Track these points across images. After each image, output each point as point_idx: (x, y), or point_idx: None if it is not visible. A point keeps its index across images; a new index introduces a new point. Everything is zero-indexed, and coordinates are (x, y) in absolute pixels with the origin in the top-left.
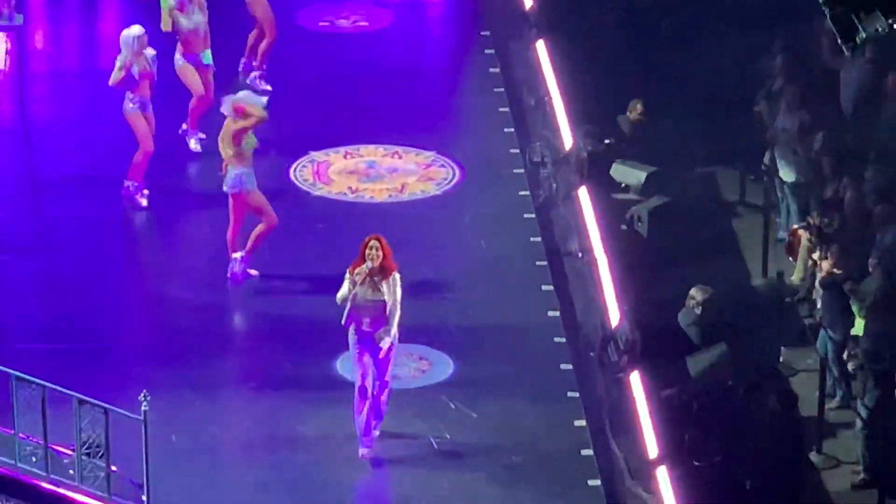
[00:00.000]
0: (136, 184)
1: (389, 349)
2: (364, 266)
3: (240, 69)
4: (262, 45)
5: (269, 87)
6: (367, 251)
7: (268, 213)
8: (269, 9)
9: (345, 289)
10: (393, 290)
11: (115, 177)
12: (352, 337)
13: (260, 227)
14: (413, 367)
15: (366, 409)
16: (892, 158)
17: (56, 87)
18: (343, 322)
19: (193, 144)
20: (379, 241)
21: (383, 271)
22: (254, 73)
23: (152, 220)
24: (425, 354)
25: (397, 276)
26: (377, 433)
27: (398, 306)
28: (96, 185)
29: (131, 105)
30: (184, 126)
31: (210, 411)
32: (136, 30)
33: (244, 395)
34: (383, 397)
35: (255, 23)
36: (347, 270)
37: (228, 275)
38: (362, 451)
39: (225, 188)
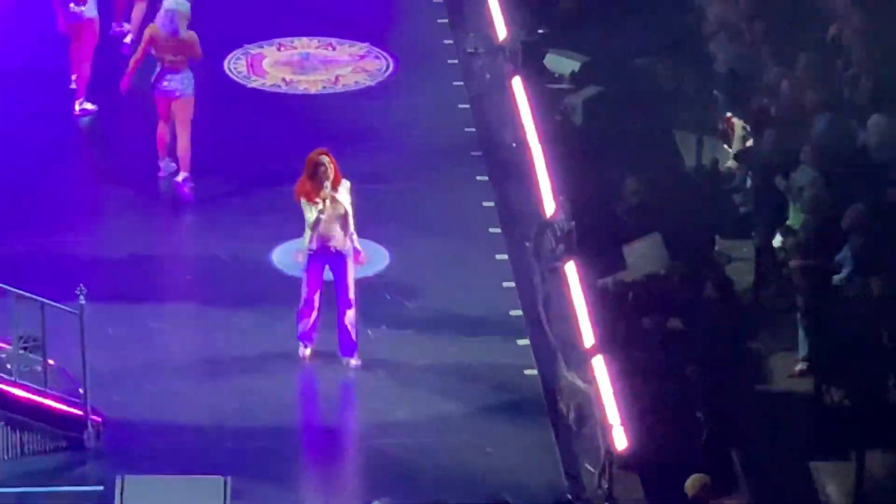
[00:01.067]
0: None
1: (347, 263)
2: (326, 189)
3: None
4: None
5: None
6: (321, 168)
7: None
8: None
9: (312, 213)
10: (345, 198)
11: (59, 69)
12: (305, 251)
13: (184, 141)
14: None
15: (312, 318)
16: (826, 46)
17: None
18: (308, 240)
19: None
20: (327, 155)
21: (335, 182)
22: None
23: (92, 120)
24: (360, 246)
25: (347, 182)
26: (357, 363)
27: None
28: (43, 78)
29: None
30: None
31: (146, 304)
32: None
33: (179, 287)
34: (348, 322)
35: None
36: (301, 198)
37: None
38: (302, 348)
39: (189, 91)
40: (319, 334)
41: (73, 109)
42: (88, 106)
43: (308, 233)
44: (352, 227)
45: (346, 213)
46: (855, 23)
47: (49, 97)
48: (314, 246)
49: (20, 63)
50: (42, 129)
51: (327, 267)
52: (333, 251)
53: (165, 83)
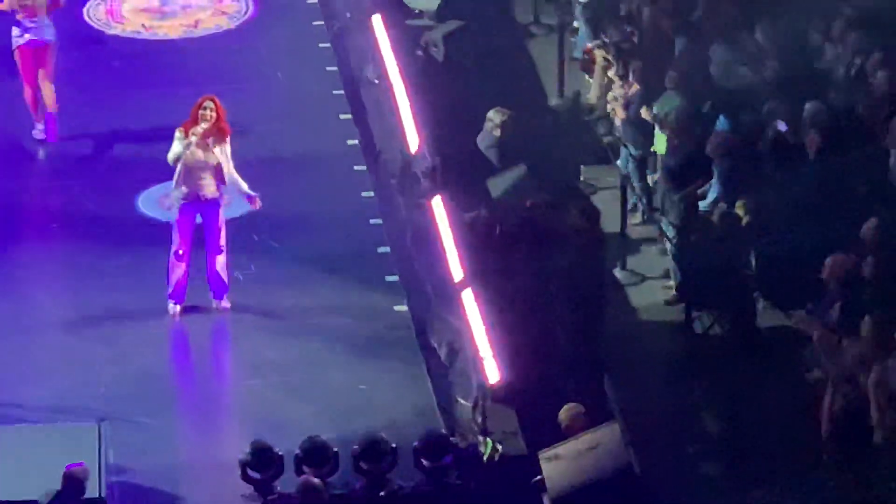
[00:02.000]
0: None
1: (219, 211)
2: (199, 127)
3: None
4: None
5: None
6: (201, 112)
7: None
8: None
9: (177, 148)
10: (226, 153)
11: None
12: (176, 200)
13: (48, 88)
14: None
15: (182, 272)
16: None
17: None
18: (175, 183)
19: None
20: (213, 101)
21: (219, 132)
22: None
23: None
24: (225, 188)
25: (229, 140)
26: (227, 304)
27: (232, 171)
28: None
29: None
30: None
31: (18, 256)
32: None
33: (48, 235)
34: (219, 267)
35: None
36: (177, 130)
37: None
38: (173, 306)
39: (54, 39)
40: (189, 280)
41: None
42: None
43: (176, 174)
44: (234, 174)
45: (217, 163)
46: None
47: None
48: (183, 191)
49: None
50: None
51: (198, 215)
52: (204, 200)
53: (29, 35)
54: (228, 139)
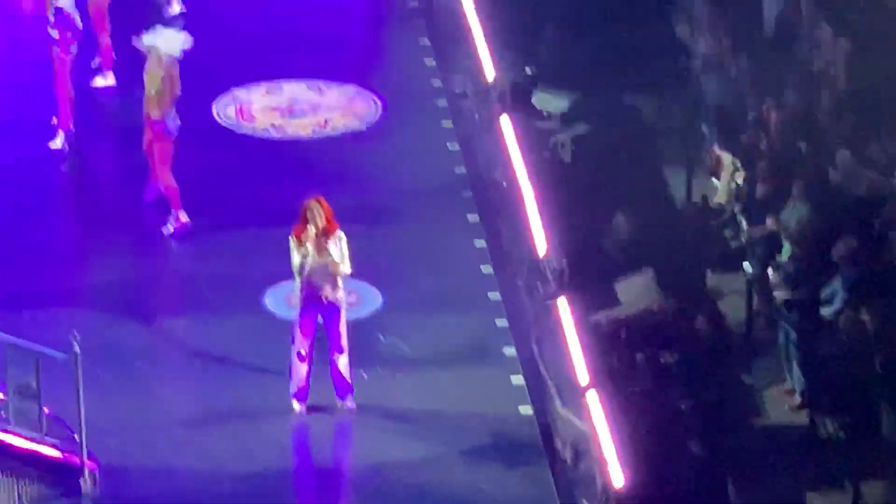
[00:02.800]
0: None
1: (340, 312)
2: (310, 230)
3: None
4: None
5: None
6: (309, 214)
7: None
8: None
9: (296, 257)
10: (340, 248)
11: (41, 119)
12: (297, 301)
13: (169, 179)
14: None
15: (304, 374)
16: (811, 81)
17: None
18: (300, 289)
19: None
20: (319, 202)
21: (327, 232)
22: None
23: (80, 164)
24: (353, 288)
25: (341, 233)
26: (352, 405)
27: (347, 264)
28: (28, 128)
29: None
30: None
31: (141, 349)
32: None
33: (175, 332)
34: (342, 366)
35: None
36: (290, 238)
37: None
38: (297, 405)
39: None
40: (313, 380)
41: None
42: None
43: (297, 278)
44: (344, 273)
45: (334, 264)
46: (840, 56)
47: (34, 146)
48: (303, 293)
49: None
50: (30, 176)
51: (319, 316)
52: (325, 301)
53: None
54: (341, 234)
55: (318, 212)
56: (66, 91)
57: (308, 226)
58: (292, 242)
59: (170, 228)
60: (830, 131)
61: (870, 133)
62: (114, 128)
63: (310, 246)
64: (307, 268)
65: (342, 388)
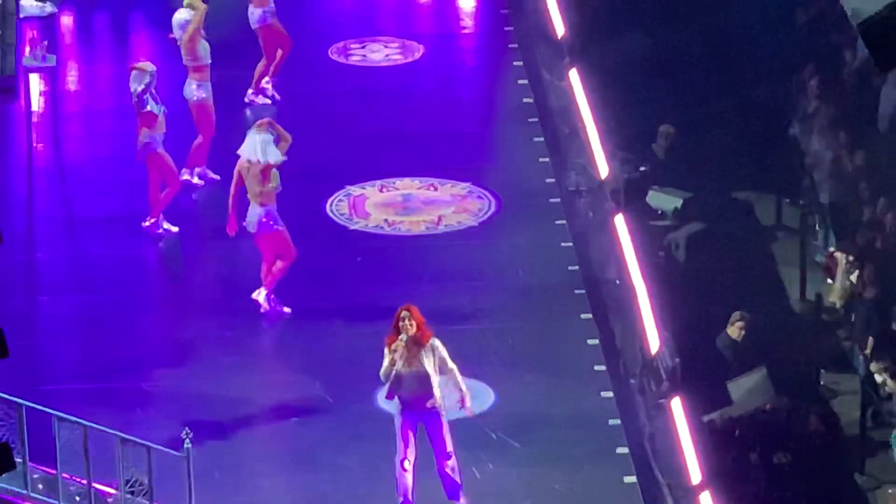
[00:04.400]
0: (153, 219)
1: (441, 420)
2: (400, 339)
3: (246, 101)
4: (278, 57)
5: (276, 96)
6: (400, 323)
7: (288, 250)
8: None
9: (386, 363)
10: (440, 356)
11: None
12: (396, 409)
13: (279, 264)
14: (455, 398)
15: (409, 480)
16: None
17: (89, 127)
18: (387, 393)
19: (196, 180)
20: (409, 311)
21: (419, 341)
22: (266, 79)
23: (184, 257)
24: (466, 385)
25: (436, 341)
26: (464, 502)
27: (453, 369)
28: (130, 223)
29: (149, 141)
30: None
31: (252, 446)
32: (150, 65)
33: (285, 429)
34: (449, 469)
35: (264, 52)
36: (385, 345)
37: (262, 311)
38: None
39: (250, 229)
40: (430, 479)
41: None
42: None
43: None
44: (450, 376)
45: (426, 373)
46: None
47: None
48: (398, 401)
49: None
50: (137, 266)
51: (420, 423)
52: (427, 408)
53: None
54: (437, 342)
55: (410, 321)
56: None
57: (402, 335)
58: (386, 349)
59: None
60: None
61: None
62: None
63: (398, 355)
64: (392, 376)
65: (451, 488)
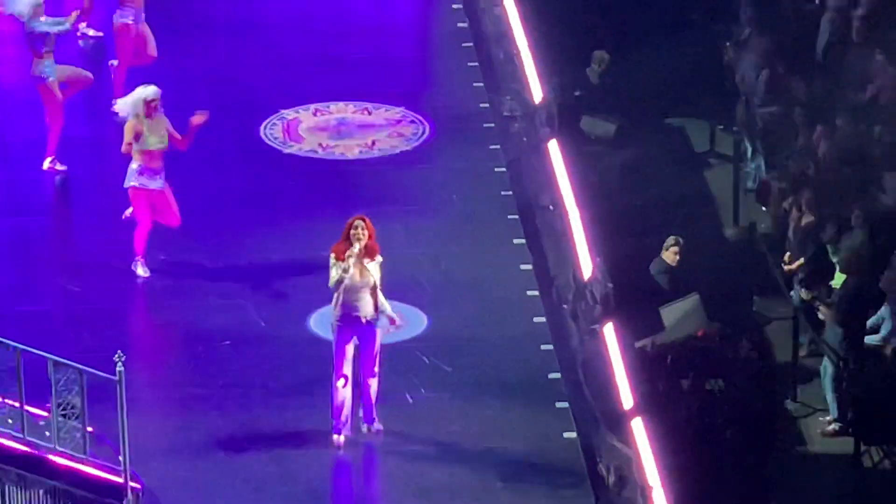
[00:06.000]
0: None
1: (375, 336)
2: (354, 248)
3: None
4: None
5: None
6: (353, 231)
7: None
8: None
9: (335, 272)
10: (376, 270)
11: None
12: (335, 321)
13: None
14: (387, 323)
15: (346, 397)
16: (861, 108)
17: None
18: (333, 305)
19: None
20: (363, 220)
21: (369, 251)
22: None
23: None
24: (398, 310)
25: (380, 259)
26: (380, 427)
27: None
28: (66, 147)
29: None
30: None
31: (184, 370)
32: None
33: (218, 352)
34: (372, 390)
35: None
36: (331, 254)
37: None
38: (335, 437)
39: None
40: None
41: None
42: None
43: (335, 296)
44: (381, 298)
45: (374, 283)
46: (889, 84)
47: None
48: (339, 312)
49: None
50: (74, 190)
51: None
52: (364, 322)
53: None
54: (378, 259)
55: (363, 230)
56: None
57: (353, 244)
58: (332, 259)
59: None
60: (880, 159)
61: None
62: None
63: (351, 263)
64: (343, 285)
65: (370, 412)
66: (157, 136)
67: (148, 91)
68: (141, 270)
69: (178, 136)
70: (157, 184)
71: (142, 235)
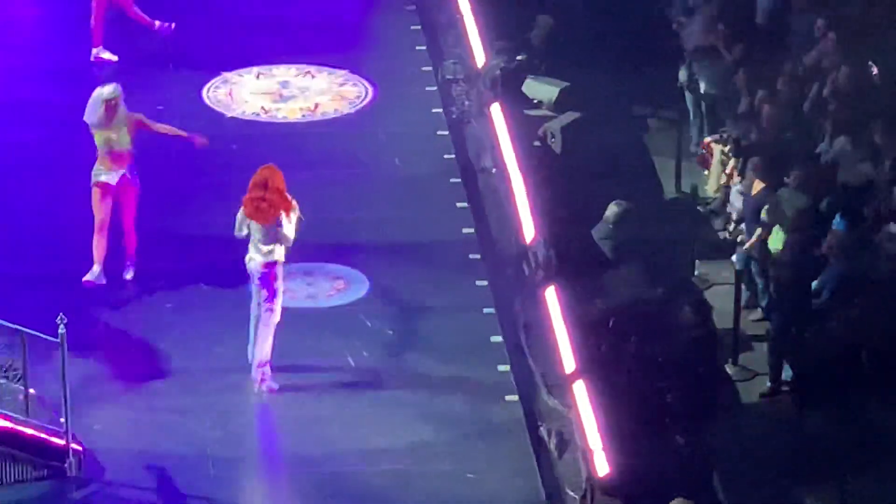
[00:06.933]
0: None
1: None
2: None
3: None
4: None
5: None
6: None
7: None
8: None
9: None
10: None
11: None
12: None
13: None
14: (328, 286)
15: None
16: (805, 72)
17: None
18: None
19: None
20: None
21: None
22: None
23: (78, 148)
24: (340, 273)
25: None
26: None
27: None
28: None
29: None
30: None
31: (127, 336)
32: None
33: (161, 316)
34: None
35: None
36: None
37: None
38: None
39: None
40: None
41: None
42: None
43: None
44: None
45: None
46: (831, 49)
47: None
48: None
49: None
50: (20, 153)
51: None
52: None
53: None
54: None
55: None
56: None
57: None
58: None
59: None
60: (821, 123)
61: (861, 125)
62: None
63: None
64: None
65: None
66: (120, 135)
67: (104, 91)
68: (90, 276)
69: (169, 130)
70: (112, 178)
71: (100, 239)
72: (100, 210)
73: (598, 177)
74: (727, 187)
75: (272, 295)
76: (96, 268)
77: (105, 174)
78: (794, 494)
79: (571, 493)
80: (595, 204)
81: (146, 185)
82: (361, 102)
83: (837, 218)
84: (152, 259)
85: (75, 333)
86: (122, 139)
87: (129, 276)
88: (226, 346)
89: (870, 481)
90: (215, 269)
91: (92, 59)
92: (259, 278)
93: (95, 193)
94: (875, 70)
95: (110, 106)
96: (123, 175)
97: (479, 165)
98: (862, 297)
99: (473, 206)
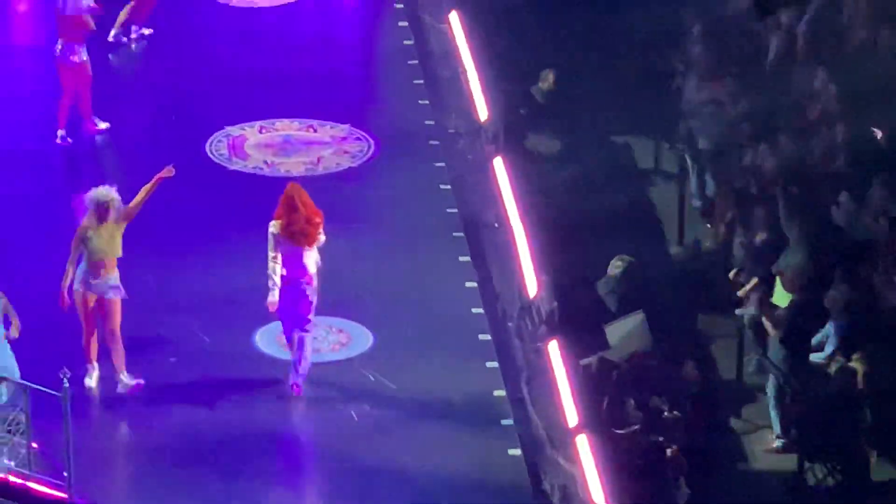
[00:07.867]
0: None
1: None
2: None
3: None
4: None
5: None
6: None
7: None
8: None
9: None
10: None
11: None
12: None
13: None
14: (332, 340)
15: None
16: (807, 126)
17: None
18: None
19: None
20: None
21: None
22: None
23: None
24: (344, 327)
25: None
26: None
27: None
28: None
29: None
30: None
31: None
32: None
33: (164, 371)
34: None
35: None
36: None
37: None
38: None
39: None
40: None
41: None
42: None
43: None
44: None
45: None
46: (833, 103)
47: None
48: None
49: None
50: (22, 207)
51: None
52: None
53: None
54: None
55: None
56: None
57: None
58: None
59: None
60: (825, 177)
61: (864, 180)
62: None
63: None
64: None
65: (299, 369)
66: (103, 243)
67: (98, 193)
68: (88, 380)
69: (146, 190)
70: (94, 289)
71: (87, 340)
72: (86, 319)
73: (601, 231)
74: (729, 241)
75: (313, 305)
76: (94, 374)
77: (91, 282)
78: None
79: None
80: (598, 258)
81: (149, 238)
82: (364, 156)
83: (839, 273)
84: (155, 311)
85: (79, 386)
86: (100, 249)
87: (121, 388)
88: (229, 402)
89: None
90: (217, 323)
91: (58, 140)
92: (306, 291)
93: (78, 296)
94: (879, 134)
95: (103, 209)
96: (111, 286)
97: (481, 219)
98: (863, 351)
99: (476, 260)
